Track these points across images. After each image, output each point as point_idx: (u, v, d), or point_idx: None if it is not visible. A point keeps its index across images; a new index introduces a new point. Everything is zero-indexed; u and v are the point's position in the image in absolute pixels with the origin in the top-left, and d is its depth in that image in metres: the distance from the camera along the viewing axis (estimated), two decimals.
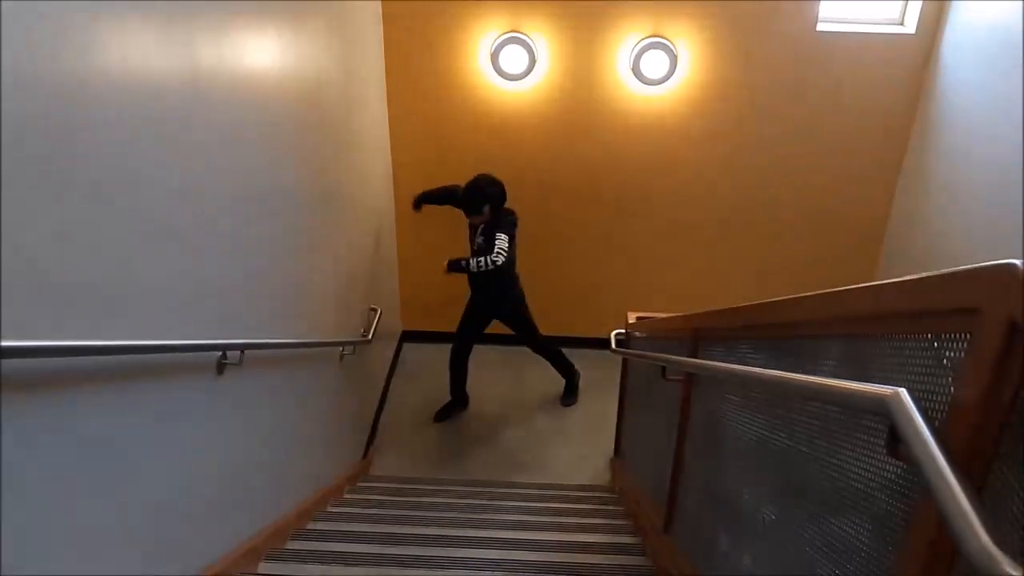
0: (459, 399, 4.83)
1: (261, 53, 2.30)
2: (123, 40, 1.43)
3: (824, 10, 4.30)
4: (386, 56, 4.56)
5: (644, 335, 3.56)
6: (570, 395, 4.97)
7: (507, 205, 4.08)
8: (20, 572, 1.20)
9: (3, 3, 1.04)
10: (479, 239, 4.11)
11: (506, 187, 4.02)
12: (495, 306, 4.46)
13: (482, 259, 3.90)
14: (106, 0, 1.36)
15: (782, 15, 4.35)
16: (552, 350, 4.78)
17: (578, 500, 3.82)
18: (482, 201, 3.98)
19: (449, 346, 4.60)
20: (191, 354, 1.83)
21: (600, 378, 5.05)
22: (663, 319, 3.08)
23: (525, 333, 4.61)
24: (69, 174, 1.27)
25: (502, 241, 3.92)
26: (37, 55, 1.16)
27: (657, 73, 4.47)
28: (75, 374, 1.33)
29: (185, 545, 1.92)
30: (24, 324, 1.15)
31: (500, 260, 3.88)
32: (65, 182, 1.26)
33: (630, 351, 3.76)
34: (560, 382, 4.99)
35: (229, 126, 2.05)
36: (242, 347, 2.09)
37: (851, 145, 4.71)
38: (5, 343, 1.04)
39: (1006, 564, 0.59)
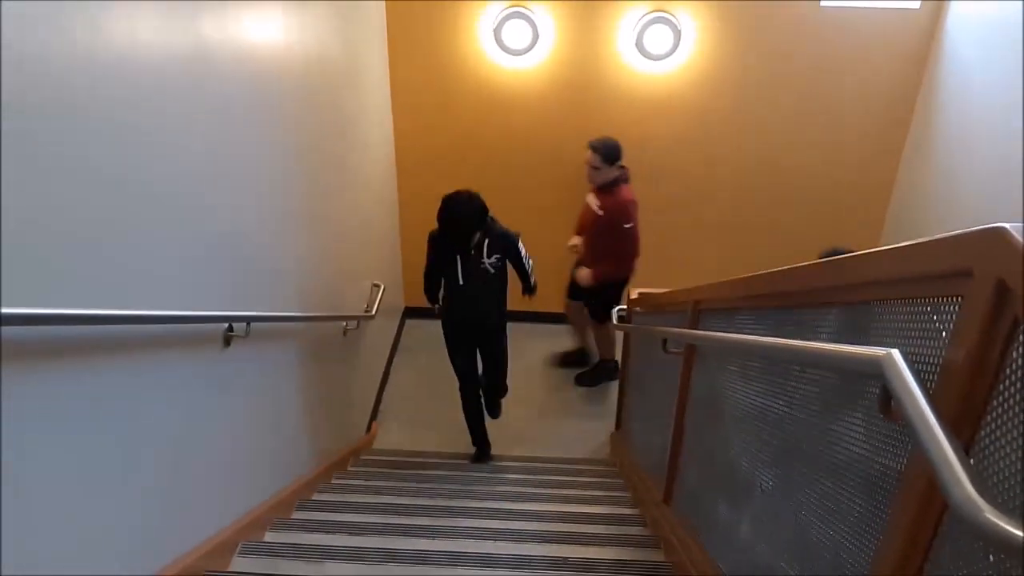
0: (482, 448, 4.15)
1: (264, 28, 2.29)
2: (130, 14, 1.43)
3: None
4: (388, 30, 4.54)
5: (646, 310, 3.58)
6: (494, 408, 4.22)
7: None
8: (45, 521, 1.24)
9: None
10: (490, 259, 3.45)
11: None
12: (487, 323, 3.72)
13: (532, 283, 3.68)
14: None
15: None
16: (502, 392, 4.15)
17: (579, 473, 3.87)
18: (481, 219, 3.32)
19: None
20: (197, 325, 1.86)
21: None
22: (665, 293, 3.09)
23: (500, 366, 3.92)
24: (79, 148, 1.28)
25: (524, 250, 3.54)
26: (41, 30, 1.17)
27: (661, 48, 4.45)
28: (81, 343, 1.36)
29: (191, 512, 1.96)
30: (30, 294, 1.17)
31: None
32: (74, 156, 1.27)
33: (631, 326, 3.78)
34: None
35: (233, 100, 2.05)
36: (248, 319, 2.12)
37: (856, 120, 4.69)
38: (6, 310, 1.06)
39: (988, 511, 0.61)
